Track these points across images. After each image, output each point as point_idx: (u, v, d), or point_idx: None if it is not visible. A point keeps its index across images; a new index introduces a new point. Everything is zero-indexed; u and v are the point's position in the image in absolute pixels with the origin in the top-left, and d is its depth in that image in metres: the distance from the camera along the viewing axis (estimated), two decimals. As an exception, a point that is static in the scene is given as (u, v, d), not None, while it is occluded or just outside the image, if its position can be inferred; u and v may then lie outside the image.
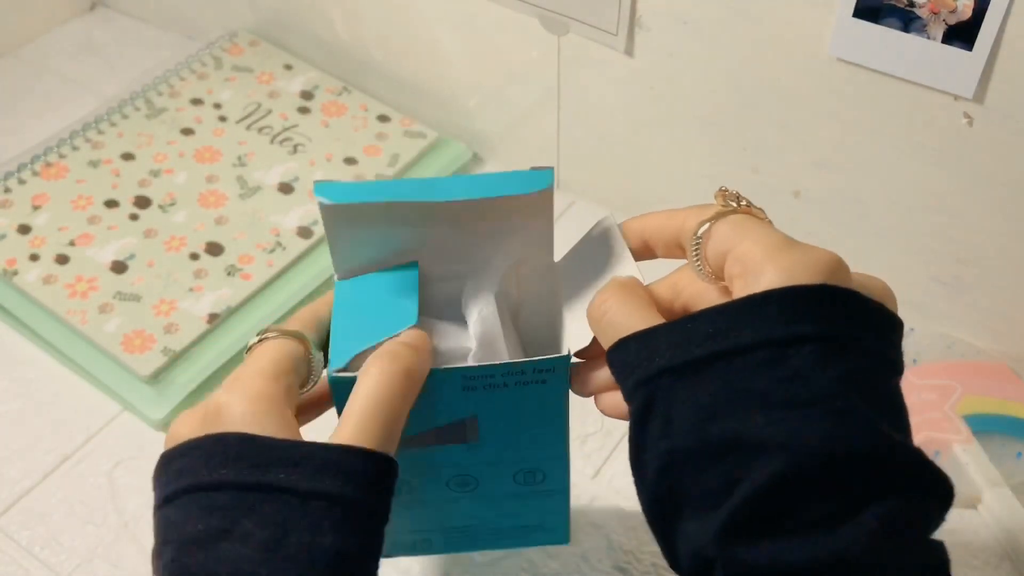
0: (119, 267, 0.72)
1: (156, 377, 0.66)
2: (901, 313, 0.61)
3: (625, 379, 0.37)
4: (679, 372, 0.35)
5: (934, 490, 0.34)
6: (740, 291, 0.36)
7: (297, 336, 0.42)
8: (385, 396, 0.38)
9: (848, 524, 0.32)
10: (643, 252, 0.44)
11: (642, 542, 0.59)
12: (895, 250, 0.66)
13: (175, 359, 0.67)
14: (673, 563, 0.37)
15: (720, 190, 0.41)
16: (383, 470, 0.38)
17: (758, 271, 0.35)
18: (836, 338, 0.34)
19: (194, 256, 0.72)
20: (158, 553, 0.37)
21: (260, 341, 0.42)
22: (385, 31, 0.80)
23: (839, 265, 0.36)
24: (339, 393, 0.41)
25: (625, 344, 0.37)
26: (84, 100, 0.87)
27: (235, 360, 0.68)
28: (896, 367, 0.37)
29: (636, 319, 0.38)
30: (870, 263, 0.68)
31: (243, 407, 0.38)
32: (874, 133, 0.61)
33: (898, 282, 0.68)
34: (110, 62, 0.93)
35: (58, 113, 0.86)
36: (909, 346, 0.66)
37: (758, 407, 0.33)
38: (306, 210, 0.76)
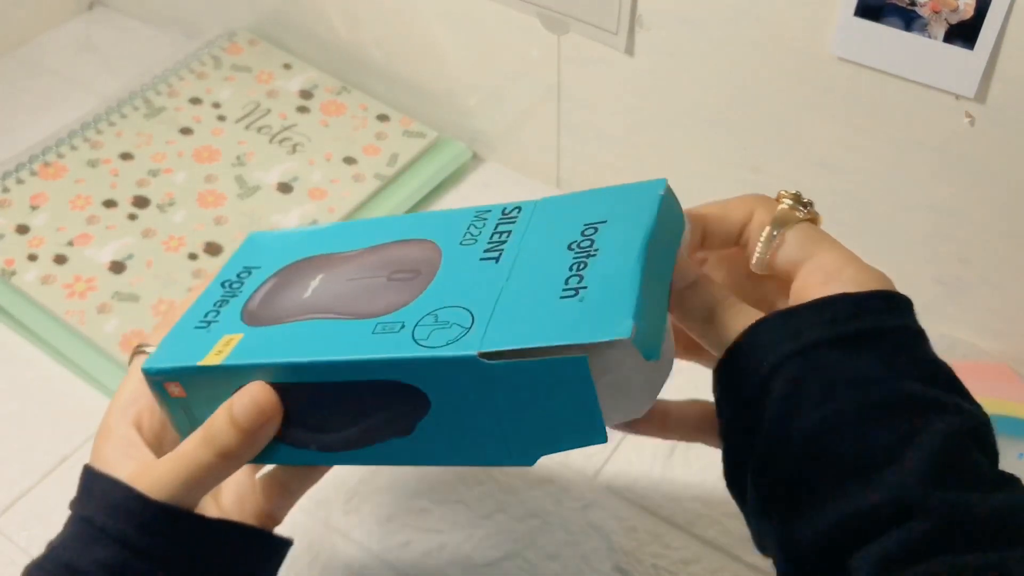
0: (117, 267, 0.71)
1: (155, 377, 0.66)
2: None
3: (764, 357, 0.39)
4: (833, 344, 0.38)
5: None
6: (817, 292, 0.40)
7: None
8: (195, 473, 0.42)
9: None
10: (698, 244, 0.45)
11: (642, 542, 0.59)
12: (895, 250, 0.66)
13: (174, 359, 0.67)
14: (787, 539, 0.38)
15: (783, 193, 0.44)
16: (164, 519, 0.42)
17: (844, 278, 0.40)
18: (916, 329, 0.41)
19: (193, 256, 0.72)
20: None
21: (133, 356, 0.48)
22: (385, 30, 0.80)
23: (889, 279, 0.42)
24: (152, 387, 0.44)
25: (761, 326, 0.40)
26: (83, 100, 0.87)
27: (234, 360, 0.68)
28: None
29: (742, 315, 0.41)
30: (870, 263, 0.68)
31: (95, 442, 0.46)
32: (875, 133, 0.61)
33: (898, 282, 0.68)
34: (108, 61, 0.93)
35: (56, 113, 0.86)
36: (910, 346, 0.66)
37: (914, 378, 0.38)
38: (306, 210, 0.75)
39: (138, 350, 0.48)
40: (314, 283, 0.46)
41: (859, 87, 0.59)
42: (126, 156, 0.79)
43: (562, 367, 0.37)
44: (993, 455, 0.39)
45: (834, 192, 0.66)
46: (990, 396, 0.63)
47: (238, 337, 0.44)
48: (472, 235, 0.45)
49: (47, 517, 0.60)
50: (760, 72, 0.62)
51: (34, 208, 0.75)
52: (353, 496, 0.61)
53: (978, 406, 0.40)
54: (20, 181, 0.77)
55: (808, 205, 0.44)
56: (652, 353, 0.38)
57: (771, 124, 0.65)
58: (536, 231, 0.44)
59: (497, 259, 0.43)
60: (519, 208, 0.46)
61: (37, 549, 0.58)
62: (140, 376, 0.45)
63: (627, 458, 0.63)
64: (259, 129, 0.81)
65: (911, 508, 0.35)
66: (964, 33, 0.54)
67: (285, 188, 0.77)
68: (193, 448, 0.42)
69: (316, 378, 0.41)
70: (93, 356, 0.67)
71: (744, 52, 0.62)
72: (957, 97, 0.57)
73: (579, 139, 0.76)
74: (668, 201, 0.43)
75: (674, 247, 0.43)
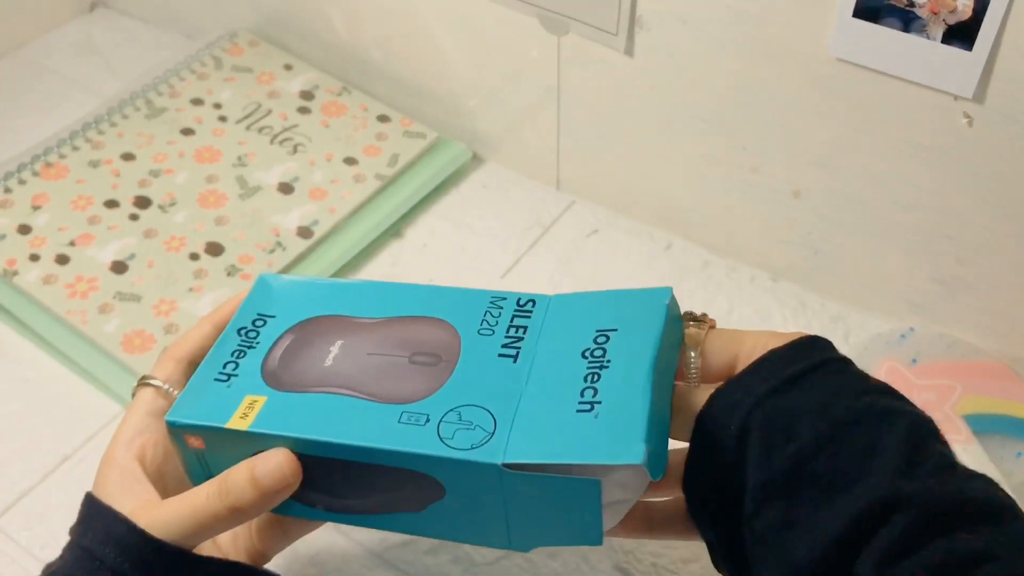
0: (119, 267, 0.72)
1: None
2: (901, 313, 0.64)
3: (729, 420, 0.42)
4: (779, 390, 0.41)
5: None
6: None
7: (160, 387, 0.49)
8: (204, 521, 0.44)
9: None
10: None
11: (642, 542, 0.59)
12: (895, 250, 0.66)
13: (175, 359, 0.67)
14: (784, 557, 0.39)
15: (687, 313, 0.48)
16: (164, 557, 0.43)
17: (774, 346, 0.44)
18: (847, 359, 0.45)
19: (194, 256, 0.73)
20: None
21: (137, 388, 0.49)
22: (385, 31, 0.80)
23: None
24: (173, 436, 0.46)
25: (718, 394, 0.43)
26: (84, 100, 0.87)
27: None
28: None
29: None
30: (870, 263, 0.69)
31: (98, 472, 0.48)
32: (874, 133, 0.61)
33: (898, 282, 0.69)
34: (110, 62, 0.93)
35: (58, 113, 0.86)
36: (909, 346, 0.66)
37: (858, 393, 0.41)
38: (306, 210, 0.76)
39: (143, 382, 0.49)
40: (334, 350, 0.48)
41: (857, 88, 0.59)
42: (127, 156, 0.79)
43: (577, 485, 0.40)
44: (951, 451, 0.42)
45: (832, 192, 0.66)
46: (989, 396, 0.64)
47: (262, 400, 0.46)
48: (489, 325, 0.48)
49: (48, 517, 0.61)
50: (759, 73, 0.63)
51: (36, 208, 0.75)
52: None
53: (916, 408, 0.43)
54: (22, 181, 0.77)
55: (702, 317, 0.47)
56: (658, 472, 0.41)
57: (770, 125, 0.65)
58: (551, 332, 0.47)
59: (515, 358, 0.46)
60: (533, 302, 0.49)
61: (38, 549, 0.59)
62: (146, 409, 0.48)
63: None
64: (260, 130, 0.82)
65: (893, 504, 0.37)
66: (962, 34, 0.54)
67: (286, 188, 0.77)
68: (206, 497, 0.43)
69: (339, 455, 0.44)
70: (94, 356, 0.68)
71: (743, 53, 0.62)
72: (955, 98, 0.57)
73: (579, 139, 0.76)
74: (672, 311, 0.46)
75: (675, 356, 0.46)
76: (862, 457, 0.39)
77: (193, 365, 0.49)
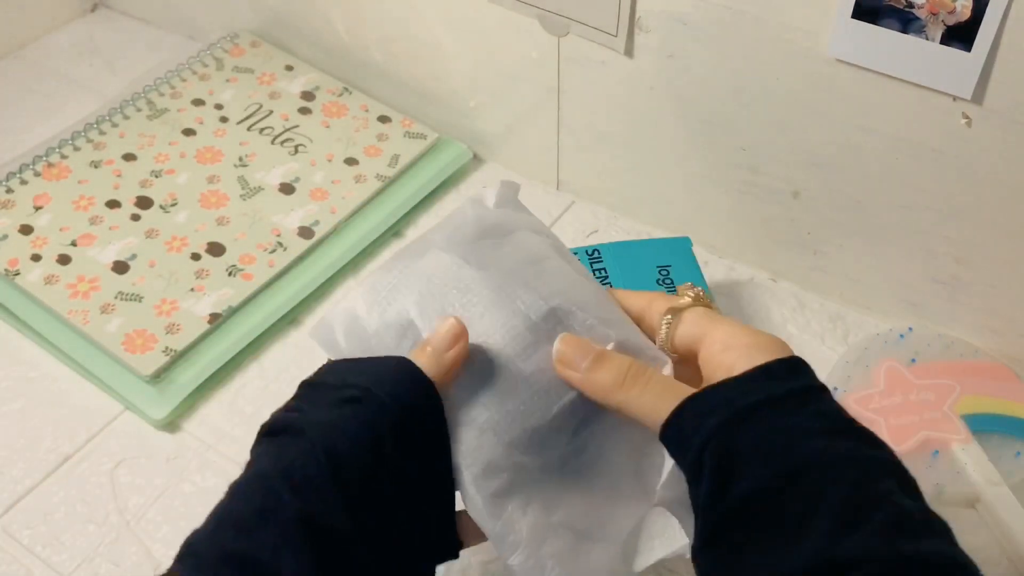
0: (121, 267, 0.72)
1: (157, 377, 0.66)
2: (900, 313, 0.64)
3: (685, 451, 0.42)
4: (732, 422, 0.41)
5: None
6: (721, 363, 0.44)
7: None
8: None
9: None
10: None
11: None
12: (895, 250, 0.66)
13: (176, 359, 0.67)
14: None
15: (685, 284, 0.50)
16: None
17: (740, 345, 0.44)
18: (818, 386, 0.44)
19: (195, 256, 0.73)
20: None
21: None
22: (386, 32, 0.80)
23: (784, 342, 0.45)
24: None
25: (674, 417, 0.43)
26: (86, 101, 0.88)
27: (236, 359, 0.68)
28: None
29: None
30: (870, 263, 0.69)
31: None
32: (873, 133, 0.61)
33: (898, 282, 0.69)
34: (111, 63, 0.93)
35: (60, 113, 0.86)
36: (908, 346, 0.66)
37: (815, 434, 0.41)
38: (307, 211, 0.76)
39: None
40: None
41: (856, 88, 0.59)
42: (129, 157, 0.80)
43: None
44: (916, 494, 0.40)
45: (831, 192, 0.66)
46: (988, 396, 0.64)
47: None
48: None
49: (50, 516, 0.61)
50: (759, 74, 0.63)
51: (37, 208, 0.75)
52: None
53: (887, 448, 0.41)
54: (24, 181, 0.77)
55: (700, 296, 0.49)
56: None
57: (769, 125, 0.65)
58: (620, 272, 0.67)
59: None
60: (598, 251, 0.68)
61: (41, 548, 0.59)
62: None
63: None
64: (261, 130, 0.82)
65: (840, 566, 0.36)
66: (961, 35, 0.54)
67: (287, 189, 0.77)
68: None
69: None
70: (96, 356, 0.68)
71: (743, 54, 0.62)
72: (954, 98, 0.57)
73: (579, 140, 0.76)
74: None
75: None
76: (802, 511, 0.38)
77: None
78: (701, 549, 0.41)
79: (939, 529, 0.39)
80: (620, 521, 0.48)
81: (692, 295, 0.49)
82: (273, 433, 0.44)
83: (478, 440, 0.45)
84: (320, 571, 0.40)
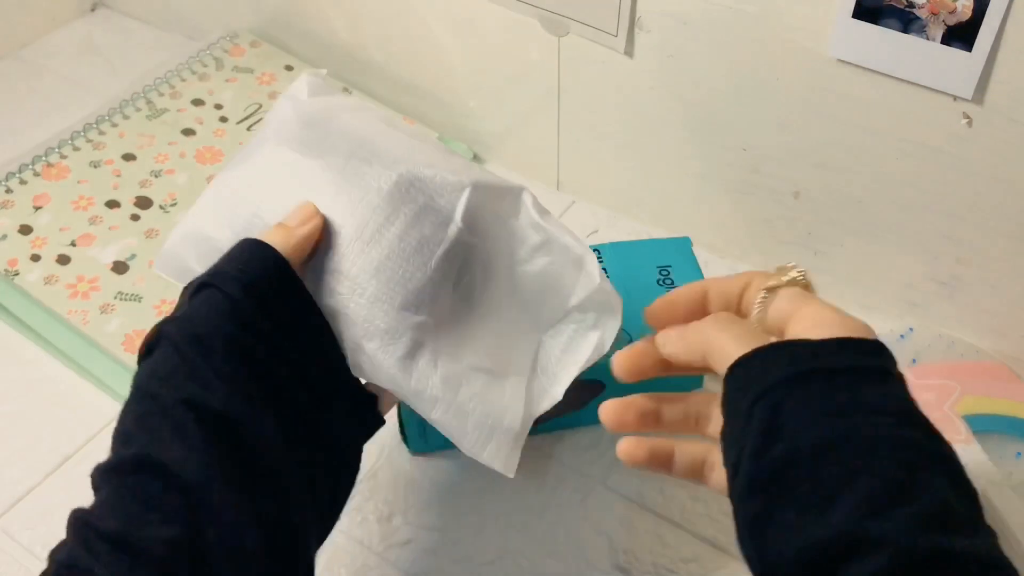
0: (120, 267, 0.72)
1: (157, 377, 0.66)
2: (901, 313, 0.64)
3: (741, 399, 0.43)
4: (792, 381, 0.41)
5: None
6: (807, 336, 0.44)
7: None
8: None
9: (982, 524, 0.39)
10: (698, 308, 0.50)
11: (642, 542, 0.59)
12: (895, 250, 0.66)
13: (176, 359, 0.67)
14: (760, 553, 0.39)
15: (787, 264, 0.50)
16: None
17: (828, 324, 0.44)
18: (893, 372, 0.44)
19: (195, 256, 0.73)
20: None
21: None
22: (386, 32, 0.80)
23: (871, 328, 0.45)
24: None
25: (739, 364, 0.44)
26: (85, 101, 0.88)
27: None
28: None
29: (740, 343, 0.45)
30: (870, 263, 0.69)
31: None
32: (874, 133, 0.61)
33: (898, 282, 0.69)
34: (111, 63, 0.93)
35: (59, 113, 0.86)
36: (909, 346, 0.66)
37: (869, 412, 0.40)
38: (307, 210, 0.76)
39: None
40: None
41: (857, 88, 0.59)
42: (128, 157, 0.79)
43: None
44: (967, 494, 0.39)
45: (832, 193, 0.66)
46: (989, 396, 0.64)
47: None
48: None
49: (50, 516, 0.61)
50: (759, 74, 0.63)
51: (37, 208, 0.75)
52: (354, 495, 0.61)
53: (946, 443, 0.40)
54: (23, 181, 0.77)
55: (800, 276, 0.49)
56: None
57: (770, 126, 0.65)
58: (620, 271, 0.66)
59: None
60: (598, 251, 0.67)
61: (40, 548, 0.59)
62: None
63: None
64: (261, 130, 0.82)
65: (858, 542, 0.36)
66: (962, 35, 0.54)
67: (287, 189, 0.77)
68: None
69: None
70: (96, 356, 0.68)
71: (743, 54, 0.62)
72: (955, 98, 0.57)
73: (579, 140, 0.76)
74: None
75: None
76: (841, 482, 0.38)
77: None
78: (742, 495, 0.41)
79: (982, 530, 0.38)
80: (522, 352, 0.52)
81: (789, 277, 0.49)
82: (145, 355, 0.46)
83: (369, 311, 0.47)
84: (213, 447, 0.41)
